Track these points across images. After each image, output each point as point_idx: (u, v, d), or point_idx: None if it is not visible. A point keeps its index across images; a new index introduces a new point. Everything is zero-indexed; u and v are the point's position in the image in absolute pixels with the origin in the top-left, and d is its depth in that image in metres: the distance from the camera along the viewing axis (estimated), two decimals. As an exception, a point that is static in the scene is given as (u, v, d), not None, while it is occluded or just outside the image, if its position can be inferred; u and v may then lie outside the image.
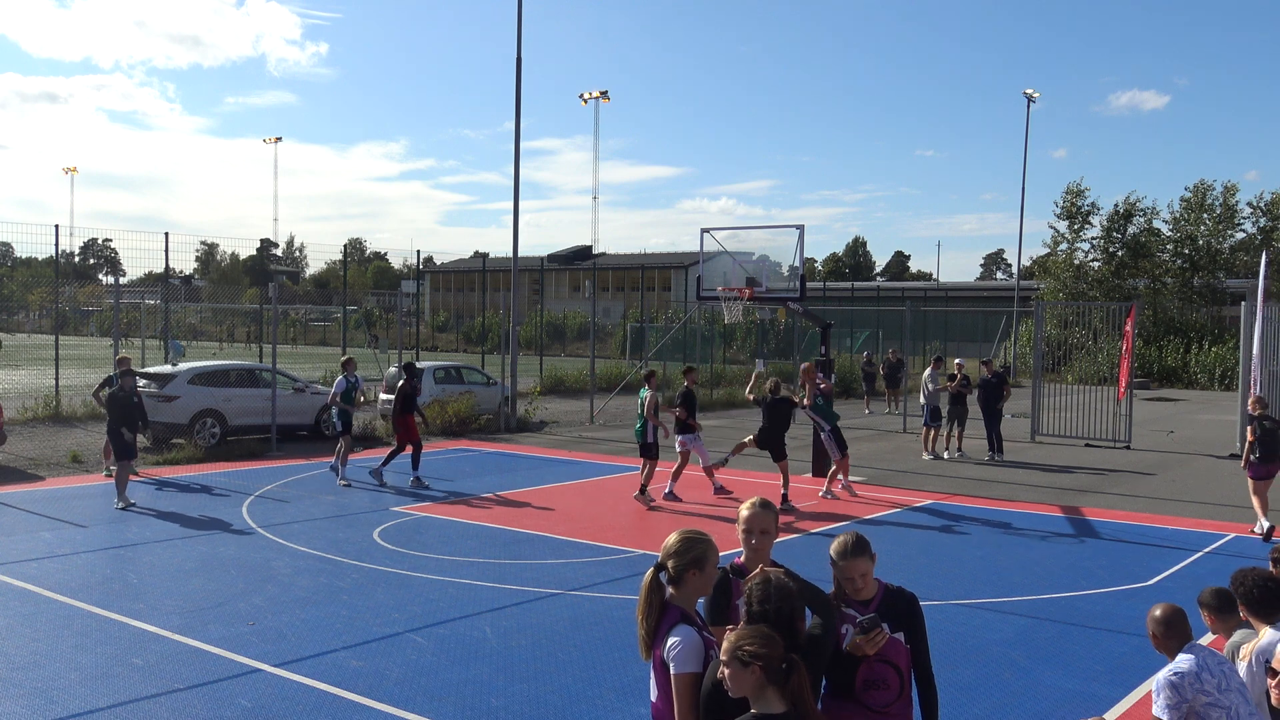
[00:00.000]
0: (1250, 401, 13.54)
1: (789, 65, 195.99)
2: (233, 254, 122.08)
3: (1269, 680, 4.10)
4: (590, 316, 34.06)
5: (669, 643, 3.73)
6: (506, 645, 8.03)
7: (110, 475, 15.92)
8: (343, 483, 15.30)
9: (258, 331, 46.93)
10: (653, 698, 3.88)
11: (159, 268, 24.93)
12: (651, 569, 3.87)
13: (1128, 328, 21.40)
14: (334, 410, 16.26)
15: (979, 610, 9.27)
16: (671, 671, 3.70)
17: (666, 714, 3.79)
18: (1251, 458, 12.74)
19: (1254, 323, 19.18)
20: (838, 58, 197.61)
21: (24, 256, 73.86)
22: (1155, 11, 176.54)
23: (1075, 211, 50.72)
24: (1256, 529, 12.78)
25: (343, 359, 16.95)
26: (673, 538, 3.95)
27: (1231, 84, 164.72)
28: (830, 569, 4.15)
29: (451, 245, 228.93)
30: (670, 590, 3.87)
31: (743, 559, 4.31)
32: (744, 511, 4.31)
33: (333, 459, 16.08)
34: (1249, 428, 12.98)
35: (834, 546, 4.12)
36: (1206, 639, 6.19)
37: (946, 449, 19.99)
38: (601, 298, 65.93)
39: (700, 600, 4.00)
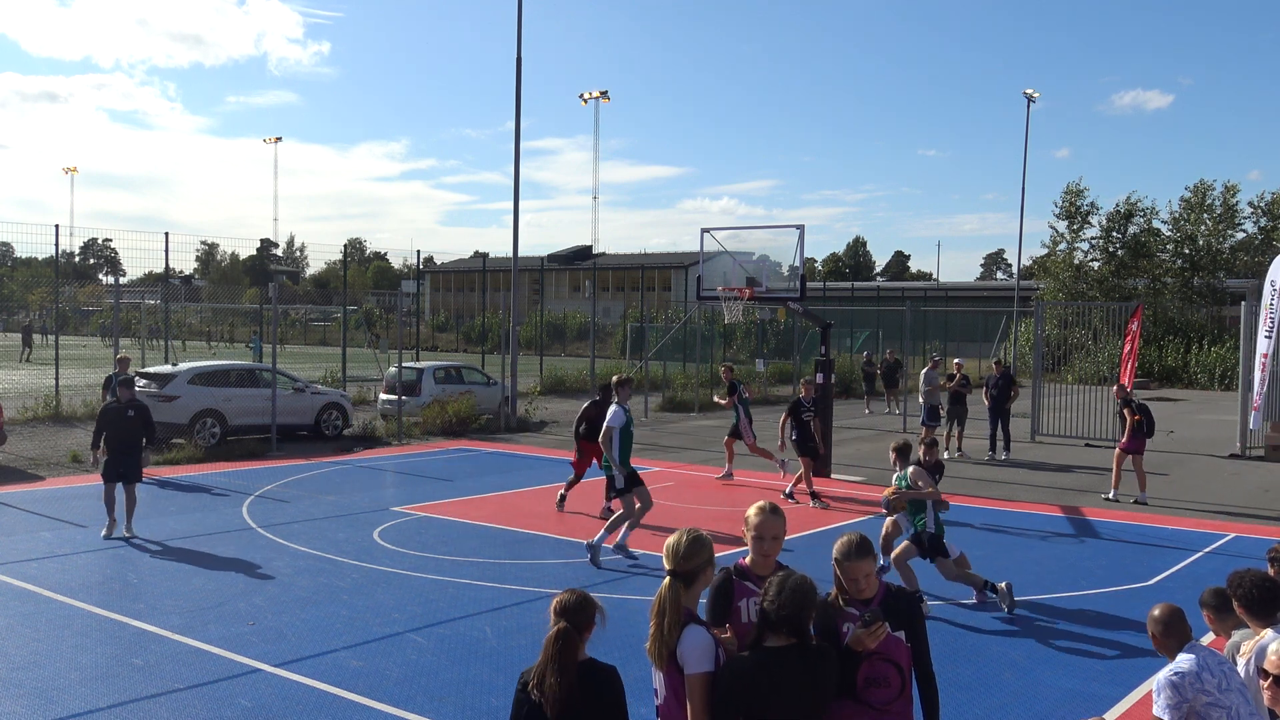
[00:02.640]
0: (1115, 389, 16.04)
1: (790, 65, 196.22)
2: (233, 254, 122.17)
3: (1261, 681, 4.10)
4: (590, 316, 34.05)
5: (679, 645, 3.73)
6: (506, 645, 8.04)
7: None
8: (617, 556, 10.99)
9: (257, 331, 46.96)
10: (659, 700, 3.87)
11: (159, 268, 24.98)
12: (669, 580, 3.84)
13: (1134, 326, 21.35)
14: (613, 453, 11.29)
15: (979, 610, 9.26)
16: (685, 672, 3.70)
17: (676, 715, 3.79)
18: (1139, 433, 15.19)
19: (1255, 323, 19.18)
20: (839, 57, 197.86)
21: (24, 256, 73.82)
22: (1159, 11, 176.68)
23: (1075, 211, 50.74)
24: (1132, 497, 15.17)
25: (617, 379, 12.11)
26: (681, 540, 3.92)
27: (1235, 83, 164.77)
28: (831, 569, 4.16)
29: (452, 245, 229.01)
30: (682, 593, 3.86)
31: (748, 560, 4.30)
32: (755, 517, 4.28)
33: (599, 534, 11.07)
34: (1124, 410, 15.39)
35: (838, 547, 4.12)
36: (1206, 639, 6.19)
37: (946, 449, 19.98)
38: (601, 298, 65.94)
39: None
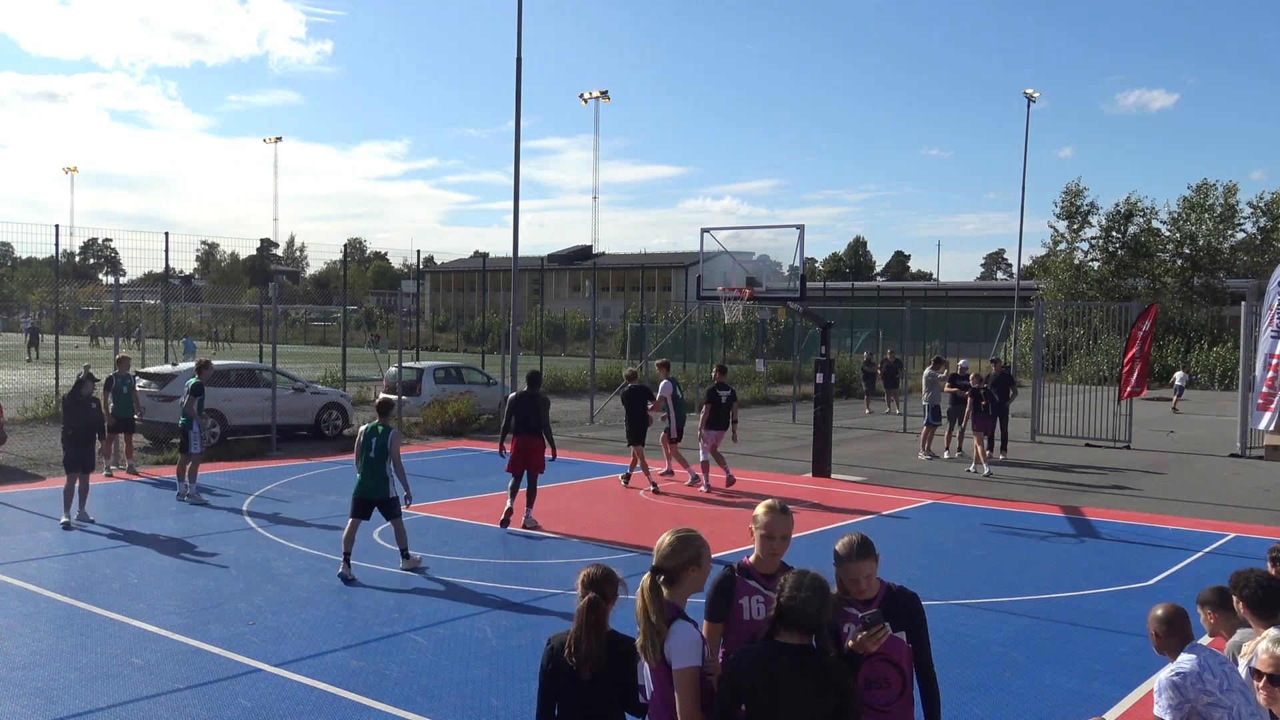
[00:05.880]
0: (971, 377, 18.50)
1: (791, 64, 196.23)
2: (233, 254, 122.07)
3: (1255, 682, 4.10)
4: (590, 316, 34.05)
5: (667, 640, 3.75)
6: (506, 645, 8.03)
7: (111, 475, 15.92)
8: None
9: (258, 331, 46.90)
10: (644, 698, 3.88)
11: (159, 267, 24.94)
12: (648, 575, 3.92)
13: (1147, 326, 21.18)
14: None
15: (979, 610, 9.26)
16: (673, 667, 3.71)
17: (664, 712, 3.79)
18: (982, 414, 17.63)
19: (1255, 322, 19.17)
20: (841, 56, 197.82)
21: (24, 256, 73.96)
22: (1164, 11, 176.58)
23: (1074, 211, 50.77)
24: (984, 472, 17.37)
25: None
26: (667, 538, 4.01)
27: (1241, 82, 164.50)
28: (833, 569, 4.15)
29: (452, 245, 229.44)
30: (665, 590, 3.90)
31: (752, 559, 4.31)
32: (764, 516, 4.30)
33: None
34: (969, 399, 18.03)
35: (839, 547, 4.12)
36: (1204, 641, 6.18)
37: (946, 449, 19.97)
38: (601, 298, 65.94)
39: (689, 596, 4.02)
